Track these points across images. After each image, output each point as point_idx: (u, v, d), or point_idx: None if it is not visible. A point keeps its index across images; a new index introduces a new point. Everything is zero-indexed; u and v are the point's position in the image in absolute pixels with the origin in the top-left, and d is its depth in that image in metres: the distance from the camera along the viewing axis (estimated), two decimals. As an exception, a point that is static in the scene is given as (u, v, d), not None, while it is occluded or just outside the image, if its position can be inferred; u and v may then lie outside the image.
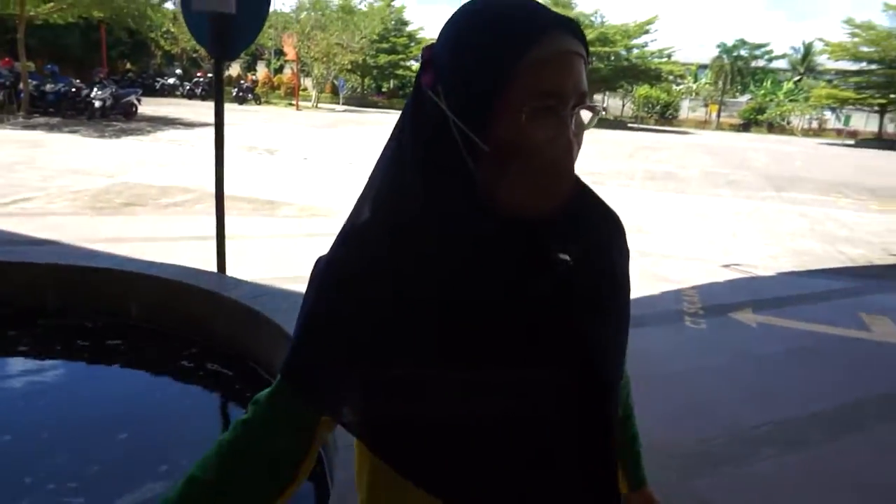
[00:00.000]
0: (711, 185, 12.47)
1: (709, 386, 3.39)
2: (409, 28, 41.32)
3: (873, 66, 33.55)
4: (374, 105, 37.03)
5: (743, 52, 42.61)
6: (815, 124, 39.11)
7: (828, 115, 39.19)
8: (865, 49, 33.12)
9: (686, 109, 41.46)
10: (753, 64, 43.14)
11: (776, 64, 44.46)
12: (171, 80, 30.93)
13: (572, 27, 0.62)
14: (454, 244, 0.63)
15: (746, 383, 3.49)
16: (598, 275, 0.71)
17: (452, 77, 0.62)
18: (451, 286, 0.63)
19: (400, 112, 0.69)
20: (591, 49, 39.66)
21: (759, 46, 43.13)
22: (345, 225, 0.70)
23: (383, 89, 41.15)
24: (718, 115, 40.34)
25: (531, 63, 0.59)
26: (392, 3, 39.34)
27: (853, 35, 33.54)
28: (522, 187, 0.62)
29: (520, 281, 0.65)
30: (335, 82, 35.09)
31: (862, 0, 42.37)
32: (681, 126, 37.86)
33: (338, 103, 33.93)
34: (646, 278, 5.43)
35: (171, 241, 5.32)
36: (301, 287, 0.75)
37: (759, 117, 38.50)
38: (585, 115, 0.65)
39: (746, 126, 38.16)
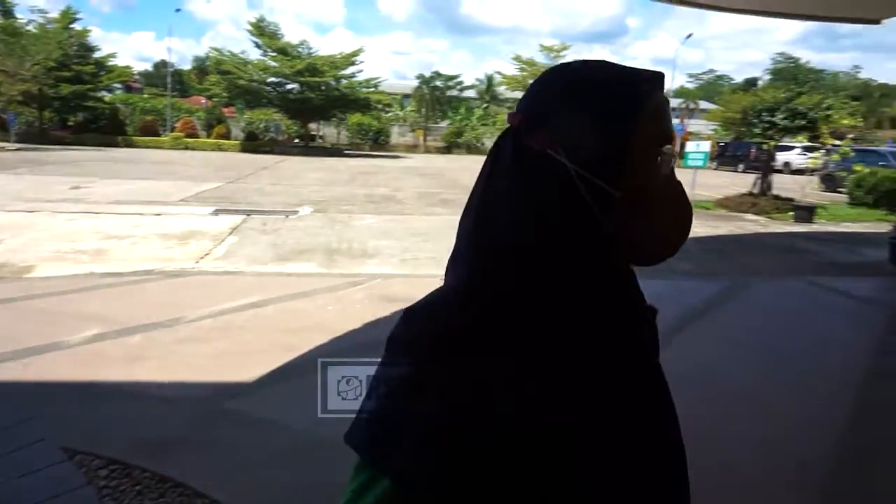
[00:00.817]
0: (427, 204, 13.61)
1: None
2: (96, 55, 36.87)
3: (539, 95, 40.54)
4: (60, 141, 31.91)
5: (439, 83, 47.42)
6: (504, 145, 45.17)
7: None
8: (531, 81, 39.79)
9: (396, 135, 44.51)
10: (449, 93, 48.28)
11: (467, 93, 50.37)
12: None
13: (664, 79, 0.69)
14: (580, 298, 0.64)
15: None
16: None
17: (576, 133, 0.64)
18: (575, 343, 0.64)
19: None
20: (302, 80, 39.15)
21: (452, 78, 48.43)
22: (452, 290, 0.69)
23: (70, 123, 35.88)
24: (425, 140, 44.15)
25: (650, 113, 0.65)
26: (71, 26, 34.74)
27: (521, 69, 40.09)
28: (661, 230, 0.68)
29: (630, 333, 0.68)
30: (3, 116, 29.47)
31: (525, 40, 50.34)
32: (393, 150, 40.45)
33: (9, 141, 28.49)
34: (374, 301, 5.70)
35: None
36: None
37: (459, 140, 43.08)
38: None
39: (449, 148, 42.37)
